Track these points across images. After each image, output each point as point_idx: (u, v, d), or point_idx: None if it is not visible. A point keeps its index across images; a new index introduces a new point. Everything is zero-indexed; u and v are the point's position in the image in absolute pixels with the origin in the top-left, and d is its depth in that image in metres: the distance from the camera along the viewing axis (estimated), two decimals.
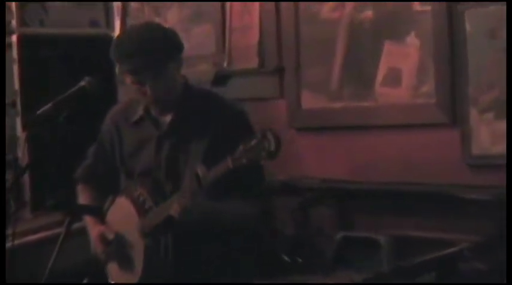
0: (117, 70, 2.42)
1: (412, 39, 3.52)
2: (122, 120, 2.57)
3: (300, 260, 3.60)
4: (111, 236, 2.48)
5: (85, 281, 2.66)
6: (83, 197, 2.69)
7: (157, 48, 2.34)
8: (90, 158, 2.70)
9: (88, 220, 2.62)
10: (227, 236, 2.43)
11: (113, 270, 2.56)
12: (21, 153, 3.00)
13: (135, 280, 2.42)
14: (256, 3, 3.98)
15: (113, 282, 2.57)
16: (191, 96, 2.47)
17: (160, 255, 2.36)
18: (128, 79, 2.39)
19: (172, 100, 2.45)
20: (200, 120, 2.40)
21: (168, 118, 2.46)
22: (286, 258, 3.61)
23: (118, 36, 2.56)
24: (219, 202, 2.34)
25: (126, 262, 2.47)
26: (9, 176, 3.24)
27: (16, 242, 2.47)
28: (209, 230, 2.37)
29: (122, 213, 2.49)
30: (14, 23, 3.56)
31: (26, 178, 3.42)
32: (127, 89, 4.29)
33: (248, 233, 2.50)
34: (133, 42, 2.35)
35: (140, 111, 2.51)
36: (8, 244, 2.43)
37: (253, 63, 4.01)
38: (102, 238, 2.50)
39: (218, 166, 2.14)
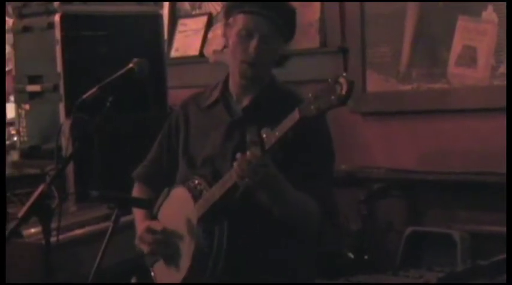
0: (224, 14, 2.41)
1: (489, 14, 3.41)
2: (192, 106, 2.55)
3: (366, 257, 3.58)
4: (158, 228, 2.43)
5: (133, 280, 2.69)
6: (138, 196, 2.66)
7: (288, 16, 2.38)
8: (151, 155, 2.65)
9: (137, 217, 2.58)
10: (286, 230, 2.35)
11: (158, 269, 2.51)
12: (65, 142, 2.88)
13: (178, 279, 2.35)
14: None
15: (157, 282, 2.51)
16: (273, 88, 2.45)
17: (212, 251, 2.28)
18: (236, 28, 2.35)
19: (255, 86, 2.42)
20: (275, 111, 2.27)
21: (242, 104, 2.45)
22: (351, 255, 3.59)
23: None
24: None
25: (171, 259, 2.41)
26: (52, 166, 3.17)
27: (61, 236, 2.42)
28: (272, 210, 2.27)
29: (176, 203, 2.43)
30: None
31: (70, 168, 3.38)
32: (177, 72, 4.11)
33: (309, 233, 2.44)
34: None
35: (217, 93, 2.49)
36: (53, 239, 2.33)
37: (314, 42, 3.97)
38: (149, 230, 2.44)
39: (284, 121, 2.08)
